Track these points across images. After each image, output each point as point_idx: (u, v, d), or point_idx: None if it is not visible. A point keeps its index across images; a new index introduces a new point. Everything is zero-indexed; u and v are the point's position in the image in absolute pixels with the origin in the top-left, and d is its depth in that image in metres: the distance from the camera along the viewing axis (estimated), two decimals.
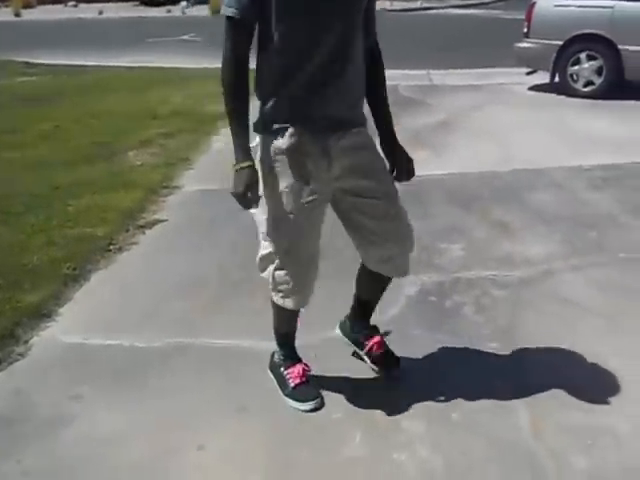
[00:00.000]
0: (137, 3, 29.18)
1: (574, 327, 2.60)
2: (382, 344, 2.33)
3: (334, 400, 2.18)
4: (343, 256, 2.70)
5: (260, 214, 1.98)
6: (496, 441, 1.97)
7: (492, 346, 2.47)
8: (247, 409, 2.15)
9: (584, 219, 3.72)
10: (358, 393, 2.22)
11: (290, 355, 2.25)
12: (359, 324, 2.38)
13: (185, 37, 14.18)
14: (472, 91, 7.59)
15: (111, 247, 3.45)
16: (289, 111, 1.86)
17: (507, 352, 2.43)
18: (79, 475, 1.91)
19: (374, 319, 2.41)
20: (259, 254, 2.07)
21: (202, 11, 23.38)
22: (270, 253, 2.01)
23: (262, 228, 2.01)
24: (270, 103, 1.87)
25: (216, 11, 22.99)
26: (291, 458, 1.94)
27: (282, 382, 2.21)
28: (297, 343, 2.29)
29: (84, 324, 2.74)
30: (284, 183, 1.88)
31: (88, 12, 25.08)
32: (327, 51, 1.79)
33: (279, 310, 2.13)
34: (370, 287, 2.26)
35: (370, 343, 2.32)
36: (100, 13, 24.62)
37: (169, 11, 24.62)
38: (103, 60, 10.92)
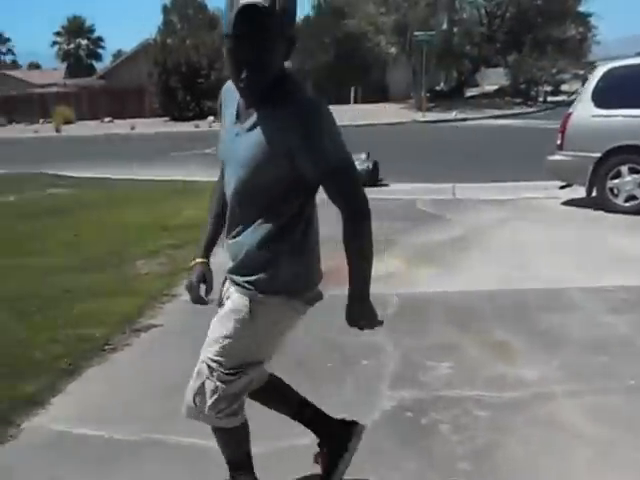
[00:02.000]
0: (168, 119, 31.63)
1: (557, 454, 2.65)
2: None
3: None
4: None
5: None
6: None
7: (462, 467, 2.59)
8: None
9: (596, 343, 3.76)
10: None
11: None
12: None
13: (208, 151, 15.24)
14: (497, 206, 7.70)
15: (106, 347, 3.84)
16: None
17: (478, 475, 2.55)
18: None
19: None
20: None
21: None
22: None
23: None
24: None
25: None
26: None
27: None
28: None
29: (71, 414, 3.07)
30: None
31: (122, 128, 27.14)
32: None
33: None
34: None
35: None
36: (132, 129, 26.61)
37: (197, 126, 26.61)
38: (128, 173, 11.90)
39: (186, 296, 4.64)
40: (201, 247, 2.22)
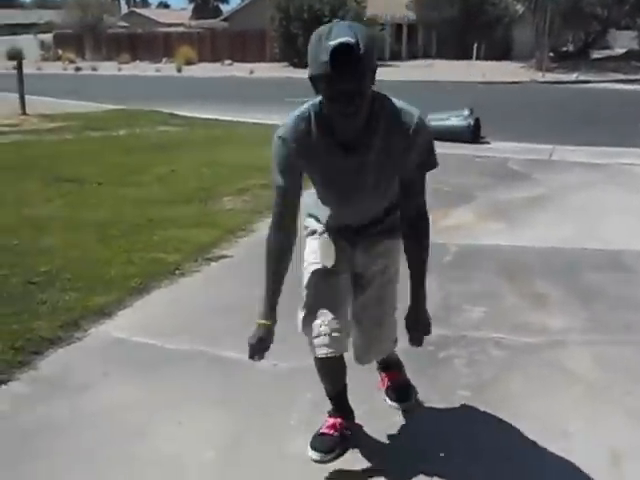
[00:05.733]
0: (287, 64, 32.02)
1: (552, 392, 2.86)
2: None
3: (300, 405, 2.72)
4: None
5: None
6: None
7: (462, 394, 2.85)
8: (226, 405, 2.78)
9: (631, 302, 3.86)
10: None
11: (335, 407, 2.51)
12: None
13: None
14: (589, 169, 7.73)
15: (177, 272, 4.28)
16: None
17: (473, 401, 2.80)
18: (86, 427, 2.63)
19: None
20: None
21: None
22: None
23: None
24: None
25: None
26: (247, 444, 2.53)
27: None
28: None
29: (133, 325, 3.53)
30: None
31: (241, 71, 27.90)
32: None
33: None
34: None
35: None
36: (251, 72, 27.29)
37: None
38: (239, 115, 12.37)
39: (263, 232, 5.07)
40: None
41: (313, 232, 2.40)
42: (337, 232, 2.35)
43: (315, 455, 2.36)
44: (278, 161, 2.12)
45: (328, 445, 2.38)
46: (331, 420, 2.47)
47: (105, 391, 2.87)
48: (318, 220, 2.40)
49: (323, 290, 2.28)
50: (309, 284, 2.31)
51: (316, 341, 2.24)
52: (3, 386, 2.90)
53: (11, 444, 2.53)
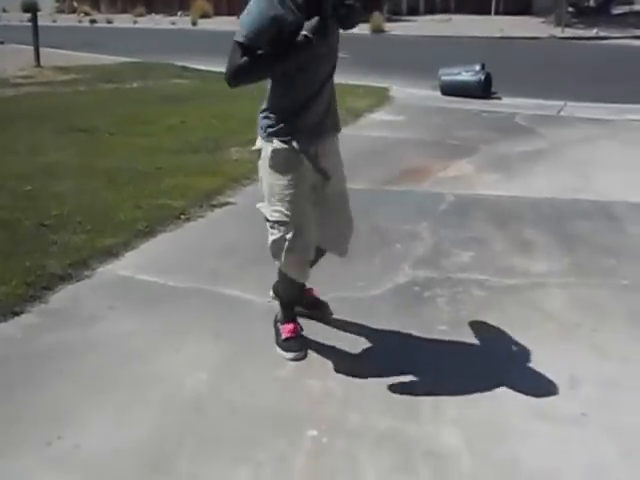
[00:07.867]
0: None
1: (524, 328, 3.04)
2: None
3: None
4: None
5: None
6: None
7: (440, 328, 3.06)
8: (221, 336, 3.00)
9: (612, 249, 4.01)
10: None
11: (289, 315, 2.93)
12: None
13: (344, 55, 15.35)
14: (594, 125, 7.77)
15: (182, 217, 4.48)
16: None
17: (449, 334, 3.01)
18: (92, 352, 2.88)
19: (364, 295, 3.29)
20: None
21: (363, 30, 24.97)
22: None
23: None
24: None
25: (376, 30, 24.76)
26: (239, 368, 2.77)
27: (277, 333, 2.90)
28: None
29: (138, 265, 3.76)
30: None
31: None
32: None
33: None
34: None
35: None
36: None
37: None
38: None
39: None
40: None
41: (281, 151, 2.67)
42: (303, 142, 2.61)
43: (291, 355, 2.80)
44: (258, 14, 2.45)
45: (298, 345, 2.84)
46: (290, 325, 2.89)
47: (111, 322, 3.11)
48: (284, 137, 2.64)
49: (306, 213, 2.68)
50: (294, 206, 2.67)
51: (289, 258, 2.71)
52: (16, 317, 3.14)
53: (24, 365, 2.78)
